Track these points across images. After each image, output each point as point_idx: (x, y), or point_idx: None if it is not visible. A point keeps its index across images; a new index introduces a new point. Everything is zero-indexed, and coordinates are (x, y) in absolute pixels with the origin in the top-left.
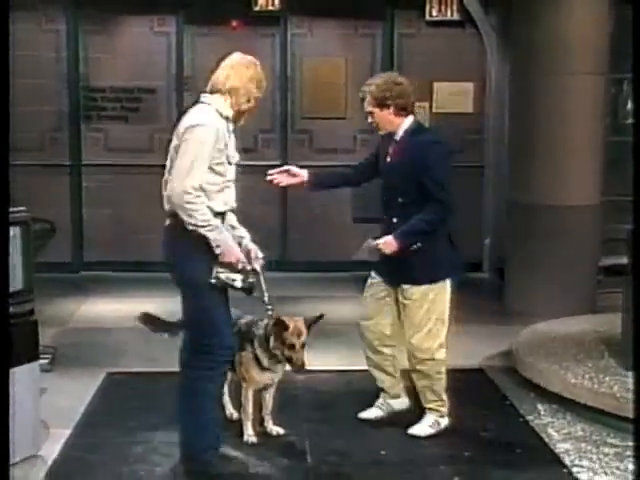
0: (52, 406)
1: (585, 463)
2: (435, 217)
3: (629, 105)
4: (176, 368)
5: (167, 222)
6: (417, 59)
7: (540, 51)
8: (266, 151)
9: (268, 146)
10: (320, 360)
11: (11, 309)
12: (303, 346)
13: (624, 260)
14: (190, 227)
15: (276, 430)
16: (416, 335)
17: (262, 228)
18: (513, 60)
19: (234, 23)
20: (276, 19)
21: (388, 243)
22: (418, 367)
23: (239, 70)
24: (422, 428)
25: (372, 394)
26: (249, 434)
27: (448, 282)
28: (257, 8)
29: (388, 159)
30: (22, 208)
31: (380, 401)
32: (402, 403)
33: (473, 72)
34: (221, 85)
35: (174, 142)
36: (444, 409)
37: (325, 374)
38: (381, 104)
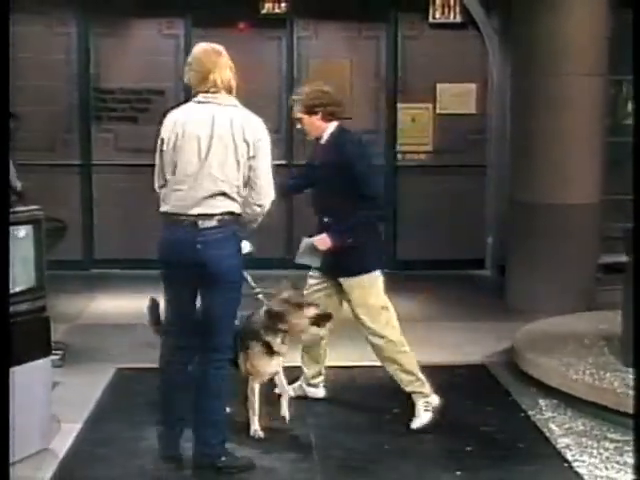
0: (63, 401)
1: (586, 458)
2: (368, 212)
3: (628, 106)
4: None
5: (211, 222)
6: (420, 61)
7: (540, 52)
8: (272, 151)
9: (274, 146)
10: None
11: (24, 306)
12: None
13: (623, 258)
14: (251, 228)
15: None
16: (367, 322)
17: (267, 226)
18: (514, 61)
19: (241, 26)
20: (282, 22)
21: (323, 240)
22: (382, 354)
23: (230, 64)
24: (420, 417)
25: (376, 388)
26: (255, 428)
27: (379, 272)
28: (264, 11)
29: (316, 162)
30: (35, 207)
31: (297, 384)
32: (316, 393)
33: (476, 73)
34: (229, 84)
35: (243, 149)
36: (426, 389)
37: (330, 370)
38: (310, 111)
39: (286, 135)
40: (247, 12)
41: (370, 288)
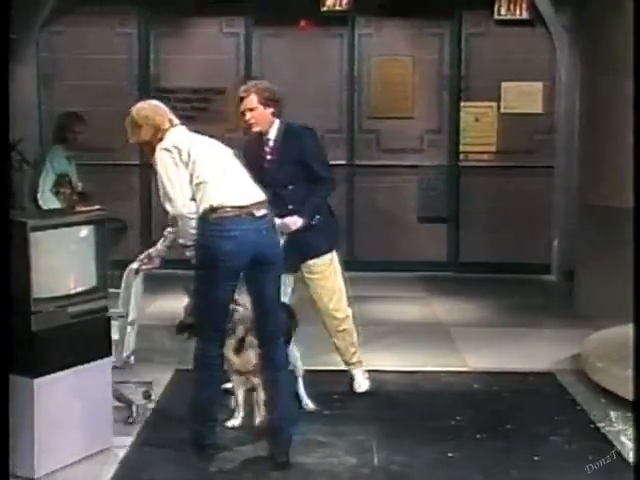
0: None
1: None
2: (326, 192)
3: None
4: None
5: (262, 210)
6: (485, 59)
7: (615, 52)
8: (333, 151)
9: (336, 146)
10: (385, 360)
11: (86, 306)
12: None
13: None
14: None
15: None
16: (333, 298)
17: None
18: (586, 61)
19: (302, 23)
20: (344, 19)
21: (294, 220)
22: (341, 327)
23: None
24: (363, 384)
25: (439, 394)
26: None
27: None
28: (325, 8)
29: (269, 157)
30: (97, 207)
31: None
32: None
33: (543, 72)
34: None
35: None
36: (361, 358)
37: (391, 374)
38: (266, 104)
39: (347, 135)
40: (308, 9)
41: (334, 261)
